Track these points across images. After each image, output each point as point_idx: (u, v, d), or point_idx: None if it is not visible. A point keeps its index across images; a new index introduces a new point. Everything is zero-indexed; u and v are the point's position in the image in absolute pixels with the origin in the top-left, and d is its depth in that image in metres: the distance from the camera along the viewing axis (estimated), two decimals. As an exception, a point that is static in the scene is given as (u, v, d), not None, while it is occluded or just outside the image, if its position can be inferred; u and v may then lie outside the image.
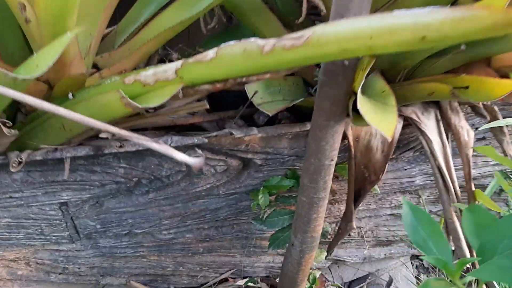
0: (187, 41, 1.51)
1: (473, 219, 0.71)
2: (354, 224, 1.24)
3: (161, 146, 0.62)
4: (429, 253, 0.68)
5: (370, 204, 1.39)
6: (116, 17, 1.06)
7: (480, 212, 0.72)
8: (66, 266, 1.29)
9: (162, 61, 1.28)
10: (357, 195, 1.19)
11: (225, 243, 1.37)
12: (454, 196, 1.11)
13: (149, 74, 0.77)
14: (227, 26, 1.36)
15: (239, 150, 1.07)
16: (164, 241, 1.29)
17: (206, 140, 1.00)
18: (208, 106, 0.94)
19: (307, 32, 0.59)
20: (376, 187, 1.22)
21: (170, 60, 1.27)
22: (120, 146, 0.91)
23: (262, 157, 1.11)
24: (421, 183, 1.34)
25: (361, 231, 1.46)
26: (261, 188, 1.17)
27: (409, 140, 1.21)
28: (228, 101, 1.19)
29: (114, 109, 0.80)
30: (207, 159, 1.08)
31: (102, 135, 0.94)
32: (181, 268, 1.39)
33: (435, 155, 1.09)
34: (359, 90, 0.71)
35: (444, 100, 1.10)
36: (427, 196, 1.41)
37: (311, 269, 1.46)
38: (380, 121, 0.65)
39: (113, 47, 1.08)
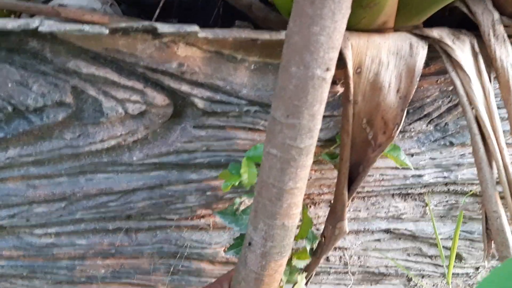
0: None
1: None
2: (346, 225, 0.80)
3: None
4: None
5: (359, 211, 0.95)
6: None
7: None
8: None
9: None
10: (353, 174, 0.76)
11: (142, 261, 0.87)
12: (503, 170, 0.71)
13: None
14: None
15: (168, 72, 0.64)
16: (39, 249, 0.79)
17: (106, 31, 0.56)
18: None
19: None
20: (401, 150, 0.77)
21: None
22: None
23: (206, 95, 0.68)
24: (431, 181, 0.94)
25: (344, 254, 1.01)
26: (244, 159, 0.72)
27: (423, 102, 0.83)
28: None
29: None
30: (111, 84, 0.64)
31: None
32: (66, 305, 0.87)
33: (473, 101, 0.70)
34: None
35: (485, 24, 0.73)
36: (436, 205, 1.00)
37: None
38: None
39: None
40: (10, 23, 0.54)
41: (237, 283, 0.69)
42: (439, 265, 1.10)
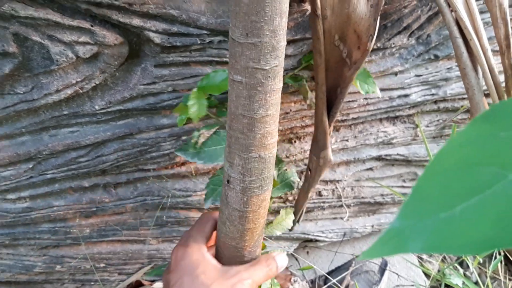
0: None
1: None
2: (331, 154, 0.76)
3: None
4: None
5: (347, 140, 0.91)
6: None
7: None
8: None
9: None
10: (331, 96, 0.72)
11: (126, 217, 0.84)
12: (488, 73, 0.67)
13: None
14: None
15: (114, 5, 0.58)
16: (16, 215, 0.76)
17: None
18: None
19: None
20: (375, 84, 0.73)
21: None
22: None
23: (161, 27, 0.62)
24: (419, 100, 0.89)
25: (336, 187, 0.98)
26: (194, 90, 0.67)
27: (402, 13, 0.77)
28: None
29: None
30: (54, 26, 0.58)
31: None
32: (58, 267, 0.85)
33: (451, 1, 0.64)
34: None
35: None
36: (427, 125, 0.96)
37: (265, 242, 0.96)
38: None
39: None
40: None
41: (222, 224, 0.65)
42: (436, 188, 1.07)
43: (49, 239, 0.81)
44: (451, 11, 0.66)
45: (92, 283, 0.92)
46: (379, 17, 0.63)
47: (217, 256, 0.70)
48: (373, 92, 0.73)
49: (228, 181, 0.61)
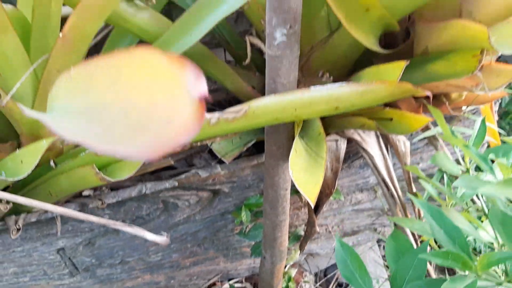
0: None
1: (395, 246, 0.88)
2: (317, 228, 1.41)
3: (133, 229, 0.77)
4: (355, 283, 0.84)
5: (332, 205, 1.56)
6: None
7: (400, 240, 0.88)
8: (70, 295, 1.46)
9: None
10: (316, 206, 1.36)
11: (208, 255, 1.53)
12: (399, 203, 1.29)
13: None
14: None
15: (208, 184, 1.23)
16: (154, 263, 1.46)
17: (176, 183, 1.15)
18: (172, 163, 1.08)
19: (245, 107, 0.74)
20: (341, 194, 1.37)
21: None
22: (102, 204, 1.06)
23: (229, 186, 1.27)
24: (376, 182, 1.51)
25: (328, 227, 1.64)
26: (242, 207, 1.33)
27: (357, 150, 1.37)
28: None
29: (91, 181, 0.95)
30: (180, 195, 1.24)
31: (84, 193, 1.09)
32: (172, 281, 1.57)
33: (378, 168, 1.25)
34: (293, 150, 0.86)
35: (380, 119, 1.25)
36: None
37: (286, 266, 1.64)
38: (306, 184, 0.81)
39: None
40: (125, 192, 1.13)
41: (262, 273, 1.34)
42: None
43: (169, 269, 1.51)
44: (379, 175, 1.26)
45: (188, 286, 1.63)
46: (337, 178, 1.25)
47: (260, 285, 1.39)
48: (339, 198, 1.37)
49: (264, 257, 1.29)
